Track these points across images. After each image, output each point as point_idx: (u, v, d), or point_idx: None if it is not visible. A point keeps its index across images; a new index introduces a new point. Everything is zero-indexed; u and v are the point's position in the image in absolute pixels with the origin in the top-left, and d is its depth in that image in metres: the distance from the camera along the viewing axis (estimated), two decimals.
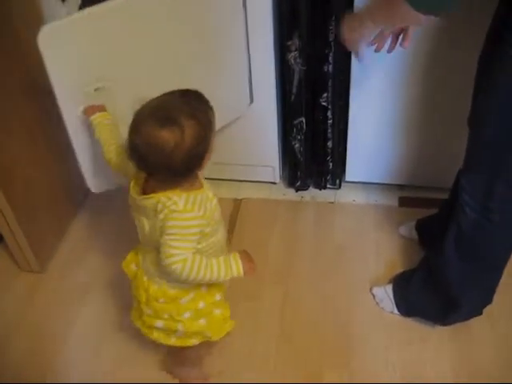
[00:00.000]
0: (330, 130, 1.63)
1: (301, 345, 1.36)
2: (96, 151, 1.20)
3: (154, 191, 0.97)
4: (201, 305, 1.11)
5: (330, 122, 1.60)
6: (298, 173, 1.75)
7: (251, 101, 1.55)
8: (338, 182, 1.77)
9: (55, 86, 1.10)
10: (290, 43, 1.45)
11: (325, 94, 1.54)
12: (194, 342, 1.16)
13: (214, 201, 1.01)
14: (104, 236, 1.68)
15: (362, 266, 1.54)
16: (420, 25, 1.13)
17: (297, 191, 1.80)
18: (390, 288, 1.42)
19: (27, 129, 1.48)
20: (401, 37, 1.15)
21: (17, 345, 1.41)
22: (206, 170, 1.01)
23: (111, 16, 1.13)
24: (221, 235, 1.08)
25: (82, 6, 1.23)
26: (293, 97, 1.56)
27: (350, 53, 1.42)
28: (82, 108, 1.15)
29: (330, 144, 1.66)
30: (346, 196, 1.78)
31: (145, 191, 0.99)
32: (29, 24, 1.30)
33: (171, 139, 0.89)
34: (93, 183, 1.30)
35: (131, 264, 1.15)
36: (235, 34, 1.40)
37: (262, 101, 1.56)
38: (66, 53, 1.09)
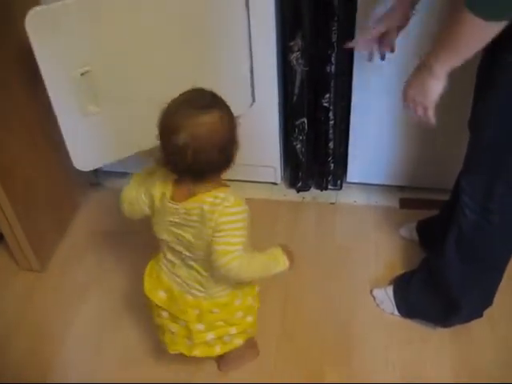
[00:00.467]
0: (331, 131, 1.63)
1: (302, 344, 1.37)
2: (82, 131, 1.22)
3: (189, 197, 0.96)
4: (249, 300, 1.13)
5: (331, 122, 1.61)
6: (300, 173, 1.75)
7: (253, 101, 1.55)
8: (339, 182, 1.77)
9: (42, 68, 1.11)
10: (292, 44, 1.45)
11: (327, 95, 1.54)
12: (240, 342, 1.17)
13: None
14: (104, 235, 1.67)
15: (362, 266, 1.54)
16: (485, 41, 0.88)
17: (298, 192, 1.80)
18: (390, 289, 1.42)
19: (27, 129, 1.48)
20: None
21: (17, 344, 1.41)
22: None
23: (101, 2, 1.13)
24: None
25: None
26: (295, 97, 1.56)
27: (352, 54, 1.42)
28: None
29: (331, 145, 1.66)
30: (346, 197, 1.78)
31: (178, 200, 0.98)
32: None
33: (215, 120, 0.90)
34: (79, 161, 1.31)
35: (157, 291, 1.11)
36: (237, 34, 1.40)
37: (264, 101, 1.56)
38: (54, 36, 1.10)
